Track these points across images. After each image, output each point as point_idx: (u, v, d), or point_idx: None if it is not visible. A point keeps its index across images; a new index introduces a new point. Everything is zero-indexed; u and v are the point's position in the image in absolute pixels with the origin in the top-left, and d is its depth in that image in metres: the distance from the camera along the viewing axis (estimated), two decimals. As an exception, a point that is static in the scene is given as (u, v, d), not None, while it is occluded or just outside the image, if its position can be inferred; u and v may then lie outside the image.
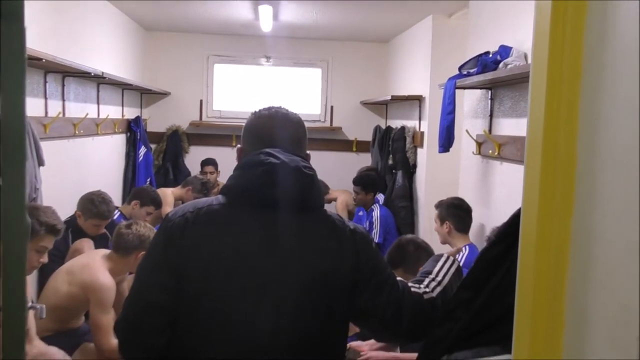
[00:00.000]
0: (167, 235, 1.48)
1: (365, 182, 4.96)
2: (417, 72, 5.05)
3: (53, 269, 2.91)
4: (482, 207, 3.60)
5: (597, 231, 0.74)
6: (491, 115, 3.53)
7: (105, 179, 4.73)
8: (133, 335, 1.48)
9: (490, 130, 3.51)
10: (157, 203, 4.30)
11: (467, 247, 3.22)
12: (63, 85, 3.74)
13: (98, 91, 4.52)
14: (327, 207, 1.62)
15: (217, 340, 1.44)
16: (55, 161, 3.48)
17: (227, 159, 5.65)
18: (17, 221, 0.89)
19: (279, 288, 1.44)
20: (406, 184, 4.91)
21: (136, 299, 1.48)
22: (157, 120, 6.22)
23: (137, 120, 5.54)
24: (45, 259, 2.46)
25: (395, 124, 5.54)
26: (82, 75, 3.81)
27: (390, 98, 5.18)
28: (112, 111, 4.88)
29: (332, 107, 6.43)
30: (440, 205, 3.40)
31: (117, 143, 5.20)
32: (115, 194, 4.98)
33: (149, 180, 5.55)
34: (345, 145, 6.45)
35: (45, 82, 3.45)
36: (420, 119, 4.87)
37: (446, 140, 3.58)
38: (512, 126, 3.26)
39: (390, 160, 5.15)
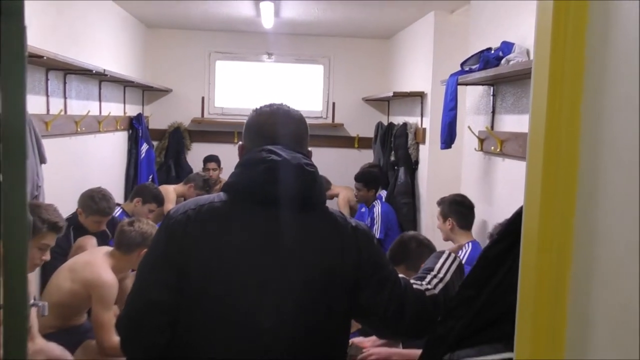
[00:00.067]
0: (169, 232, 1.48)
1: (367, 179, 4.96)
2: (419, 69, 5.04)
3: (55, 267, 2.91)
4: (484, 203, 3.60)
5: (600, 230, 0.73)
6: (493, 112, 3.52)
7: (107, 177, 4.73)
8: (134, 332, 1.48)
9: (492, 127, 3.50)
10: (159, 200, 4.30)
11: (469, 244, 3.21)
12: (65, 83, 3.74)
13: (100, 88, 4.52)
14: (328, 203, 1.62)
15: (217, 339, 1.44)
16: (57, 159, 3.48)
17: (229, 156, 5.64)
18: (18, 219, 0.89)
19: (280, 286, 1.44)
20: (408, 180, 4.90)
21: (138, 296, 1.48)
22: (159, 117, 6.22)
23: (139, 117, 5.54)
24: (47, 256, 2.46)
25: (397, 120, 5.53)
26: (84, 72, 3.81)
27: (392, 94, 5.17)
28: (114, 108, 4.88)
29: (334, 104, 6.42)
30: (442, 202, 3.39)
31: (119, 140, 5.21)
32: (117, 191, 4.98)
33: (151, 177, 5.56)
34: (347, 141, 6.44)
35: (47, 79, 3.45)
36: (422, 116, 4.86)
37: (448, 137, 3.58)
38: (514, 122, 3.25)
39: (392, 157, 5.15)
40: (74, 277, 2.77)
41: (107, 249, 2.99)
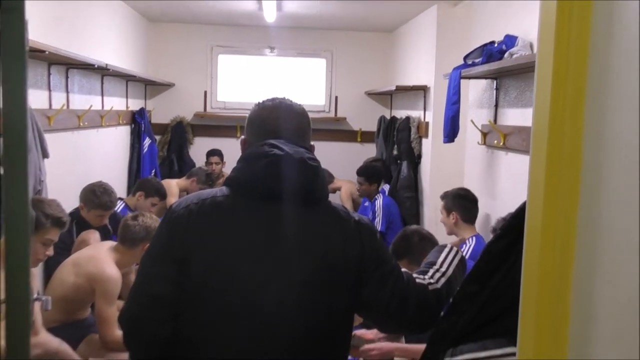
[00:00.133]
0: (171, 226, 1.48)
1: (369, 173, 4.95)
2: (422, 62, 5.02)
3: (58, 261, 2.92)
4: (488, 197, 3.59)
5: (603, 224, 0.73)
6: (496, 105, 3.51)
7: (110, 171, 4.74)
8: (137, 326, 1.48)
9: (495, 121, 3.49)
10: (162, 194, 4.31)
11: (473, 238, 3.21)
12: (67, 77, 3.74)
13: (102, 83, 4.51)
14: (331, 196, 1.61)
15: (218, 333, 1.43)
16: (60, 153, 3.48)
17: (231, 150, 5.65)
18: (20, 213, 0.89)
19: (282, 280, 1.44)
20: (411, 174, 4.89)
21: (140, 290, 1.48)
22: (162, 111, 6.21)
23: (142, 111, 5.54)
24: (50, 251, 2.47)
25: (400, 114, 5.52)
26: (86, 67, 3.80)
27: (394, 88, 5.16)
28: (116, 103, 4.88)
29: (336, 98, 6.41)
30: (446, 196, 3.39)
31: (121, 135, 5.21)
32: (120, 185, 4.99)
33: (153, 171, 5.56)
34: (349, 135, 6.43)
35: (49, 74, 3.45)
36: (425, 109, 4.85)
37: (451, 131, 3.57)
38: (518, 116, 3.24)
39: (395, 151, 5.14)
40: (77, 272, 2.78)
41: (111, 243, 2.99)
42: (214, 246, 1.44)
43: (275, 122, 1.57)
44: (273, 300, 1.43)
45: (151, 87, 6.09)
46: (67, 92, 3.75)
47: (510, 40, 3.09)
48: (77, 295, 2.79)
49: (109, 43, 4.67)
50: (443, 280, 1.61)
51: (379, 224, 4.55)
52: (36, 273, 3.12)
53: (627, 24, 0.70)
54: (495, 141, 3.44)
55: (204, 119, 6.29)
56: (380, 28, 6.13)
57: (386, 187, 5.11)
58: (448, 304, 1.53)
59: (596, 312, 0.73)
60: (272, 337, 1.43)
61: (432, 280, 1.60)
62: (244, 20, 5.81)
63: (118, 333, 2.55)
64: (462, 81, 3.52)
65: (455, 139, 3.63)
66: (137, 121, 5.44)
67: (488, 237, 3.18)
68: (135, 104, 5.56)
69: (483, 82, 3.73)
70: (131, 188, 4.85)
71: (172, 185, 4.98)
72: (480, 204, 3.39)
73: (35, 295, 2.16)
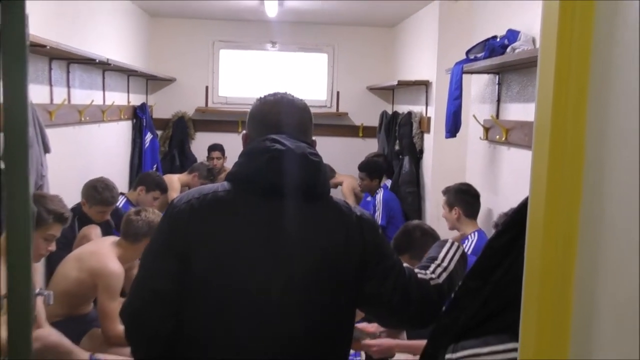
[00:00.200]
0: (172, 221, 1.48)
1: (370, 168, 4.95)
2: (424, 57, 5.01)
3: (60, 256, 2.92)
4: (490, 192, 3.59)
5: (606, 219, 0.73)
6: (498, 100, 3.51)
7: (112, 166, 4.74)
8: (138, 322, 1.49)
9: (497, 116, 3.49)
10: (163, 187, 4.32)
11: (475, 233, 3.21)
12: (68, 72, 3.74)
13: (103, 78, 4.51)
14: (333, 191, 1.61)
15: (220, 329, 1.44)
16: (61, 148, 3.48)
17: (233, 145, 5.64)
18: (22, 208, 0.89)
19: (284, 276, 1.44)
20: (413, 169, 4.89)
21: (141, 285, 1.48)
22: (163, 106, 6.21)
23: (143, 106, 5.54)
24: (53, 247, 2.47)
25: (402, 109, 5.51)
26: (88, 62, 3.80)
27: (396, 83, 5.15)
28: (117, 98, 4.88)
29: (338, 93, 6.40)
30: (447, 191, 3.38)
31: (123, 130, 5.20)
32: (121, 180, 4.99)
33: (155, 166, 5.56)
34: (351, 130, 6.43)
35: (50, 69, 3.44)
36: (427, 104, 4.84)
37: (453, 126, 3.56)
38: (520, 111, 3.23)
39: (397, 146, 5.13)
40: (80, 266, 2.79)
41: (114, 238, 3.00)
42: (215, 241, 1.44)
43: (277, 117, 1.56)
44: (275, 296, 1.43)
45: (153, 82, 6.08)
46: (68, 87, 3.75)
47: (512, 35, 3.08)
48: (80, 290, 2.80)
49: (110, 38, 4.67)
50: (445, 275, 1.61)
51: (379, 218, 4.56)
52: (38, 268, 3.13)
53: (630, 18, 0.70)
54: (498, 136, 3.43)
55: (206, 114, 6.29)
56: (382, 23, 6.11)
57: (388, 183, 5.11)
58: (449, 299, 1.53)
59: (598, 308, 0.72)
60: (273, 332, 1.43)
61: (433, 276, 1.60)
62: (245, 15, 5.80)
63: (120, 328, 2.56)
64: (464, 76, 3.51)
65: (457, 134, 3.63)
66: (139, 116, 5.44)
67: (490, 232, 3.18)
68: (136, 99, 5.56)
69: (485, 77, 3.72)
70: (133, 183, 4.85)
71: (174, 181, 4.99)
72: (482, 199, 3.39)
73: (37, 290, 2.16)
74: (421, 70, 5.05)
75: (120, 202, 3.96)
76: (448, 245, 1.75)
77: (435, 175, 4.64)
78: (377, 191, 4.84)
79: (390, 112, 5.85)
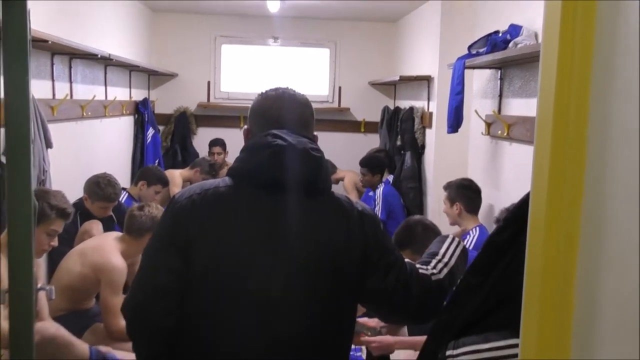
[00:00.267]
0: (174, 217, 1.48)
1: (372, 164, 4.95)
2: (426, 52, 5.00)
3: (62, 252, 2.93)
4: (491, 188, 3.59)
5: (607, 215, 0.72)
6: (500, 96, 3.50)
7: (114, 161, 4.74)
8: (140, 316, 1.49)
9: (499, 111, 3.48)
10: (164, 181, 4.33)
11: (477, 228, 3.21)
12: (70, 67, 3.74)
13: (105, 73, 4.51)
14: (334, 187, 1.61)
15: (222, 324, 1.44)
16: (63, 143, 3.49)
17: (235, 141, 5.63)
18: (23, 202, 0.89)
19: (285, 271, 1.44)
20: (415, 165, 4.89)
21: (143, 280, 1.49)
22: (165, 101, 6.21)
23: (145, 102, 5.53)
24: (55, 242, 2.48)
25: (404, 104, 5.50)
26: (89, 57, 3.80)
27: (398, 78, 5.14)
28: (119, 93, 4.88)
29: (340, 88, 6.39)
30: (449, 186, 3.38)
31: (125, 125, 5.21)
32: (123, 176, 5.00)
33: (157, 161, 5.56)
34: (353, 126, 6.42)
35: (53, 64, 3.44)
36: (429, 100, 4.83)
37: (455, 121, 3.55)
38: (522, 106, 3.23)
39: (399, 141, 5.13)
40: (83, 261, 2.80)
41: (117, 234, 3.01)
42: (216, 236, 1.44)
43: (279, 112, 1.56)
44: (276, 291, 1.43)
45: (154, 77, 6.08)
46: (71, 82, 3.75)
47: (514, 30, 3.07)
48: (83, 285, 2.81)
49: (112, 33, 4.66)
50: (445, 270, 1.61)
51: (378, 213, 4.56)
52: (41, 263, 3.14)
53: (633, 12, 0.70)
54: (499, 131, 3.43)
55: (208, 110, 6.29)
56: (384, 18, 6.09)
57: (391, 178, 5.11)
58: (450, 295, 1.53)
59: (600, 305, 0.72)
60: (275, 327, 1.43)
61: (434, 271, 1.60)
62: (247, 10, 5.79)
63: (123, 323, 2.55)
64: (466, 71, 3.51)
65: (459, 130, 3.62)
66: (141, 111, 5.43)
67: (491, 227, 3.18)
68: (138, 94, 5.56)
69: (487, 72, 3.72)
70: (134, 178, 4.85)
71: (176, 176, 4.99)
72: (484, 195, 3.39)
73: (39, 285, 2.17)
74: (423, 66, 5.04)
75: (122, 197, 3.96)
76: (449, 240, 1.75)
77: (437, 171, 4.63)
78: (378, 186, 4.84)
79: (392, 107, 5.84)
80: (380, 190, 4.73)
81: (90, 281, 2.78)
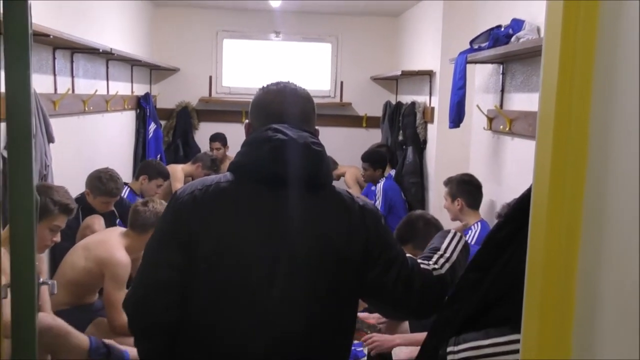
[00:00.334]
0: (175, 212, 1.49)
1: (373, 159, 4.95)
2: (428, 47, 4.99)
3: (64, 247, 2.93)
4: (493, 183, 3.58)
5: (609, 210, 0.72)
6: (502, 90, 3.49)
7: (115, 156, 4.74)
8: (141, 311, 1.49)
9: (501, 106, 3.47)
10: (165, 175, 4.34)
11: (478, 223, 3.20)
12: (72, 62, 3.74)
13: (107, 67, 4.51)
14: (335, 183, 1.61)
15: (224, 319, 1.44)
16: (65, 138, 3.49)
17: (237, 135, 5.59)
18: (25, 197, 0.90)
19: (287, 266, 1.44)
20: (416, 160, 4.88)
21: (145, 276, 1.49)
22: (167, 96, 6.21)
23: (147, 96, 5.53)
24: (58, 237, 2.48)
25: (406, 99, 5.49)
26: (91, 51, 3.80)
27: (400, 73, 5.13)
28: (121, 87, 4.88)
29: (341, 83, 6.39)
30: (450, 182, 3.38)
31: (126, 120, 5.21)
32: (125, 170, 5.00)
33: (159, 156, 5.57)
34: (355, 121, 6.41)
35: (54, 58, 3.44)
36: (430, 95, 4.82)
37: (457, 116, 3.55)
38: (524, 101, 3.22)
39: (401, 136, 5.13)
40: (87, 256, 2.81)
41: (122, 229, 3.02)
42: (218, 232, 1.44)
43: (280, 106, 1.56)
44: (277, 286, 1.43)
45: (156, 71, 6.08)
46: (72, 76, 3.75)
47: (517, 24, 3.06)
48: (87, 280, 2.82)
49: (114, 27, 4.66)
50: (447, 265, 1.61)
51: (378, 207, 4.56)
52: (43, 258, 3.14)
53: (636, 7, 0.69)
54: (501, 126, 3.42)
55: (209, 104, 6.28)
56: (386, 12, 6.08)
57: (392, 173, 5.11)
58: (451, 290, 1.53)
59: (601, 299, 0.72)
60: (276, 322, 1.44)
61: (436, 266, 1.60)
62: (249, 4, 5.78)
63: (125, 317, 2.57)
64: (468, 66, 3.50)
65: (461, 124, 3.62)
66: (143, 106, 5.43)
67: (493, 222, 3.18)
68: (140, 89, 5.56)
69: (489, 67, 3.71)
70: (135, 173, 4.86)
71: (178, 171, 4.99)
72: (485, 190, 3.38)
73: (41, 280, 2.17)
74: (425, 60, 5.03)
75: (124, 192, 3.97)
76: (450, 235, 1.74)
77: (438, 166, 4.63)
78: (380, 180, 4.85)
79: (393, 102, 5.83)
80: (380, 185, 4.74)
81: (94, 275, 2.79)
